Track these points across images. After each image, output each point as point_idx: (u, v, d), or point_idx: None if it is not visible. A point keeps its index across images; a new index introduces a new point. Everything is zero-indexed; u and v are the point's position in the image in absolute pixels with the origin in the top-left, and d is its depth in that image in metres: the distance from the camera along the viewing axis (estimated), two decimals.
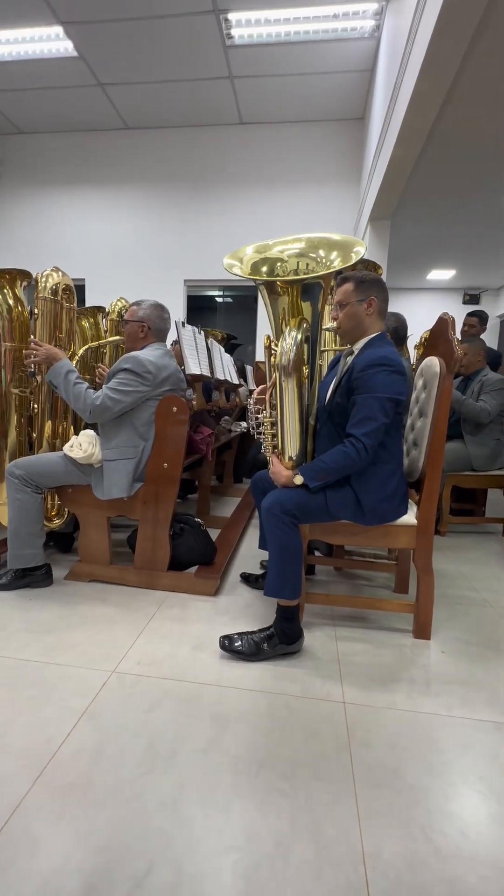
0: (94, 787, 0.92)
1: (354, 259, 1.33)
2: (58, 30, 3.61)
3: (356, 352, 1.44)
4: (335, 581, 1.99)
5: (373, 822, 0.88)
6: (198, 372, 2.19)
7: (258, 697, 1.21)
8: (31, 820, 0.85)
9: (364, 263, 2.02)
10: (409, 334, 2.52)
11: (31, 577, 1.77)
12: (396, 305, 6.73)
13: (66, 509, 1.97)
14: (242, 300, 6.18)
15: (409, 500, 1.55)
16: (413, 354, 3.74)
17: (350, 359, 1.45)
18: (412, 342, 3.33)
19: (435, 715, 1.17)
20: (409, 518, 1.47)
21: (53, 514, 2.00)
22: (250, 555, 2.23)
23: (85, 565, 1.88)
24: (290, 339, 1.32)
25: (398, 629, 1.59)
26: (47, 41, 3.73)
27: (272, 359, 1.40)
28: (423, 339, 3.35)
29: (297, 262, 1.48)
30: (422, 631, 1.52)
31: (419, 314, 5.25)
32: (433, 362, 1.54)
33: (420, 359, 2.11)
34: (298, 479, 1.36)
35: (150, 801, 0.90)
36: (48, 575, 1.81)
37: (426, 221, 4.41)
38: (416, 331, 3.29)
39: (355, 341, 1.46)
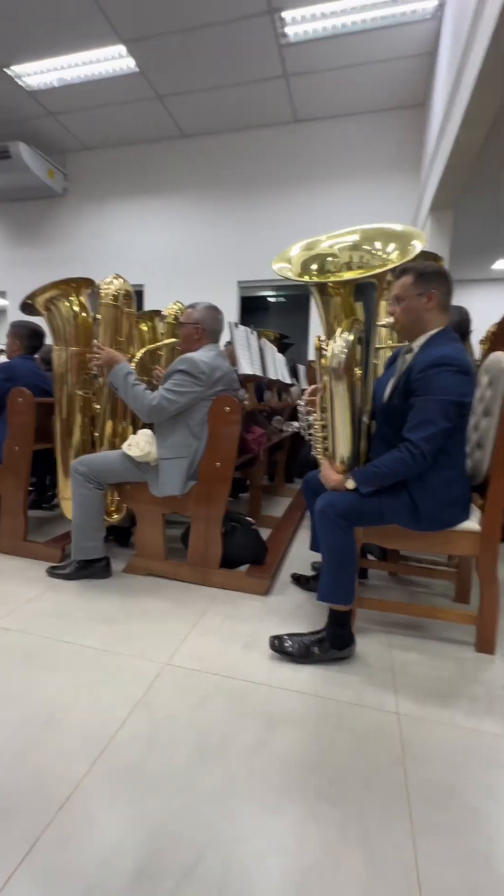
0: (148, 774, 0.95)
1: (412, 253, 1.27)
2: (120, 48, 3.78)
3: (416, 349, 1.37)
4: (389, 587, 1.92)
5: (429, 843, 0.83)
6: (250, 372, 2.20)
7: (308, 701, 1.20)
8: (90, 798, 0.90)
9: (423, 255, 1.93)
10: (472, 329, 2.37)
11: (93, 569, 1.87)
12: (459, 298, 6.36)
13: (124, 505, 2.07)
14: (295, 299, 6.15)
15: (473, 506, 1.46)
16: (477, 350, 3.51)
17: (409, 357, 1.38)
18: (476, 337, 3.13)
19: (498, 735, 1.09)
20: (472, 524, 1.38)
21: (113, 509, 2.10)
22: (301, 556, 2.21)
23: (141, 559, 1.95)
24: (342, 340, 1.28)
25: (458, 641, 1.50)
26: (111, 60, 3.92)
27: (322, 360, 1.37)
28: (489, 334, 3.14)
29: (350, 256, 1.44)
30: (485, 645, 1.43)
31: (484, 307, 4.92)
32: (500, 357, 1.43)
33: (485, 354, 1.98)
34: (350, 484, 1.33)
35: (200, 794, 0.91)
36: (108, 567, 1.90)
37: (492, 209, 4.13)
38: (481, 325, 3.09)
39: (414, 338, 1.39)
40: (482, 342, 3.40)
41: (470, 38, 2.32)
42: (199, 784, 0.94)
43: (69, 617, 1.57)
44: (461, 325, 2.22)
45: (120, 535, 2.27)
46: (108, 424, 2.04)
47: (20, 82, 4.11)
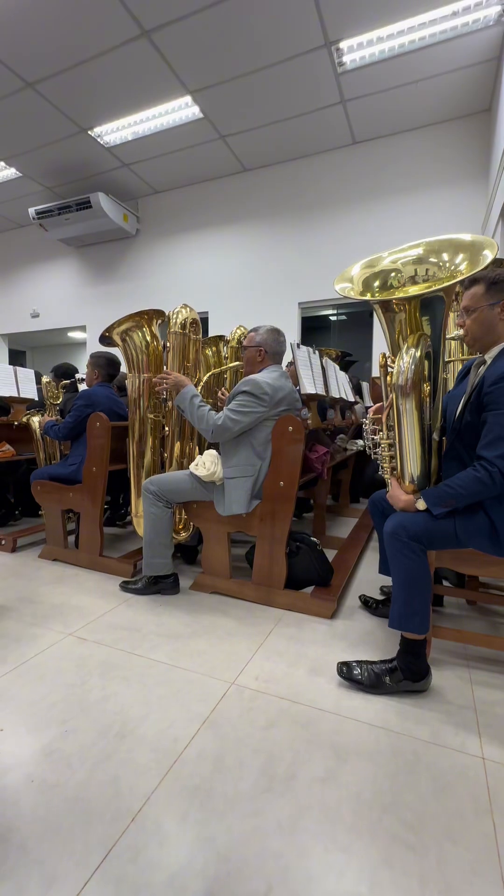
0: (215, 795, 0.95)
1: (483, 263, 1.22)
2: (187, 99, 4.10)
3: (489, 361, 1.30)
4: (468, 616, 1.78)
5: None
6: (312, 391, 2.20)
7: (380, 734, 1.13)
8: (161, 813, 0.91)
9: (497, 263, 1.83)
10: None
11: (162, 585, 1.94)
12: None
13: (191, 523, 2.13)
14: (356, 316, 6.09)
15: None
16: None
17: (482, 370, 1.31)
18: None
19: None
20: None
21: (181, 527, 2.17)
22: (369, 579, 2.12)
23: (207, 577, 1.99)
24: (409, 357, 1.25)
25: None
26: (178, 111, 4.26)
27: (388, 378, 1.34)
28: None
29: (415, 269, 1.40)
30: None
31: None
32: None
33: None
34: (421, 505, 1.27)
35: (269, 821, 0.89)
36: (176, 583, 1.96)
37: None
38: None
39: (486, 350, 1.32)
40: None
41: None
42: (267, 811, 0.92)
43: (140, 630, 1.64)
44: None
45: (187, 552, 2.34)
46: (177, 445, 2.13)
47: (100, 141, 4.59)
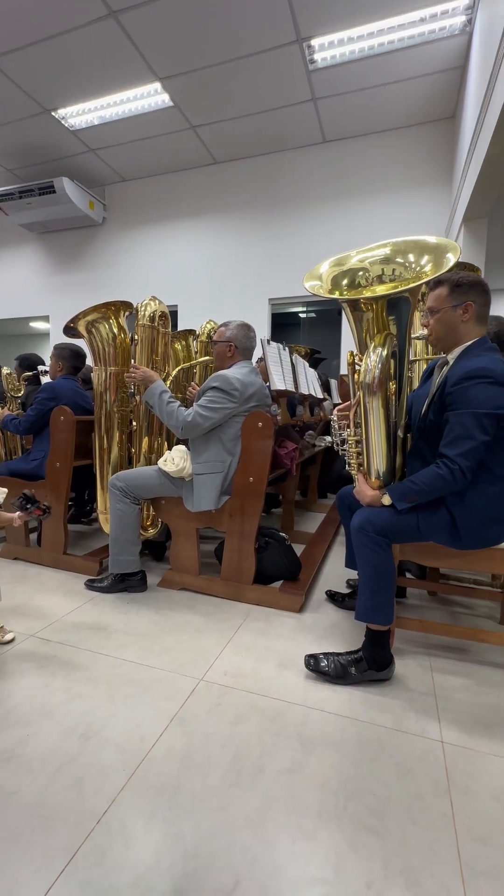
0: (183, 792, 0.95)
1: (447, 266, 1.26)
2: (156, 85, 4.00)
3: (451, 361, 1.35)
4: (429, 607, 1.85)
5: (479, 884, 0.78)
6: (283, 387, 2.22)
7: (346, 724, 1.16)
8: (127, 814, 0.90)
9: (460, 266, 1.90)
10: None
11: (129, 582, 1.91)
12: (498, 307, 6.19)
13: (159, 520, 2.11)
14: (326, 314, 6.16)
15: None
16: None
17: (445, 369, 1.36)
18: None
19: None
20: None
21: (148, 523, 2.14)
22: (336, 573, 2.17)
23: (176, 574, 1.98)
24: (375, 356, 1.28)
25: None
26: (147, 97, 4.15)
27: (356, 376, 1.36)
28: None
29: (382, 269, 1.43)
30: None
31: None
32: None
33: None
34: (386, 500, 1.30)
35: (237, 815, 0.90)
36: (143, 581, 1.93)
37: None
38: None
39: (449, 350, 1.37)
40: None
41: (500, 52, 2.31)
42: (235, 805, 0.92)
43: (106, 630, 1.60)
44: (500, 335, 2.16)
45: (155, 549, 2.31)
46: (145, 441, 2.09)
47: (65, 123, 4.41)
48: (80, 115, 4.35)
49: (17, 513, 1.38)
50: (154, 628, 1.63)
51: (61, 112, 4.31)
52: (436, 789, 0.97)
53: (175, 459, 1.82)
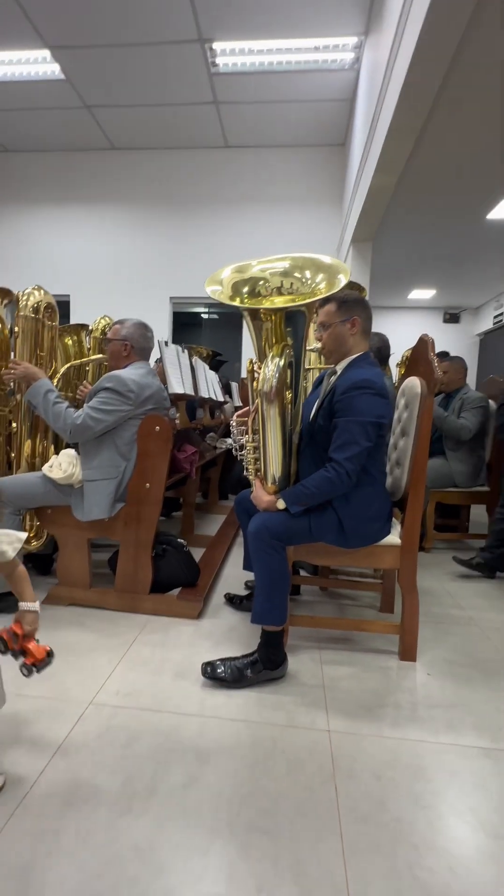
0: (66, 834, 0.87)
1: (338, 286, 1.35)
2: (45, 53, 3.66)
3: (339, 372, 1.45)
4: (321, 601, 1.97)
5: (358, 860, 0.84)
6: (181, 391, 2.18)
7: (241, 728, 1.17)
8: None
9: (348, 284, 2.05)
10: (391, 353, 2.56)
11: (5, 603, 1.70)
12: (380, 323, 6.86)
13: (44, 530, 1.92)
14: (228, 316, 6.23)
15: (394, 520, 1.55)
16: (395, 373, 3.80)
17: (333, 379, 1.45)
18: (395, 360, 3.38)
19: (421, 742, 1.15)
20: (393, 538, 1.47)
21: (32, 535, 1.94)
22: (235, 575, 2.19)
23: (64, 588, 1.82)
24: (273, 366, 1.31)
25: (384, 651, 1.57)
26: (34, 64, 3.78)
27: (255, 384, 1.39)
28: (404, 358, 3.41)
29: (281, 281, 1.49)
30: (407, 653, 1.51)
31: (402, 332, 5.37)
32: (414, 383, 1.55)
33: (402, 378, 2.14)
34: (280, 504, 1.35)
35: (125, 846, 0.85)
36: None
37: (407, 243, 4.54)
38: (400, 348, 3.35)
39: (338, 361, 1.47)
40: (399, 365, 3.68)
41: (382, 92, 2.56)
42: (124, 836, 0.87)
43: None
44: (382, 350, 2.39)
45: (40, 562, 2.10)
46: (27, 444, 1.89)
47: None
48: None
49: None
50: None
51: None
52: (322, 777, 1.03)
53: (62, 465, 1.67)
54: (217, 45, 3.52)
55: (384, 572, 1.86)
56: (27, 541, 1.91)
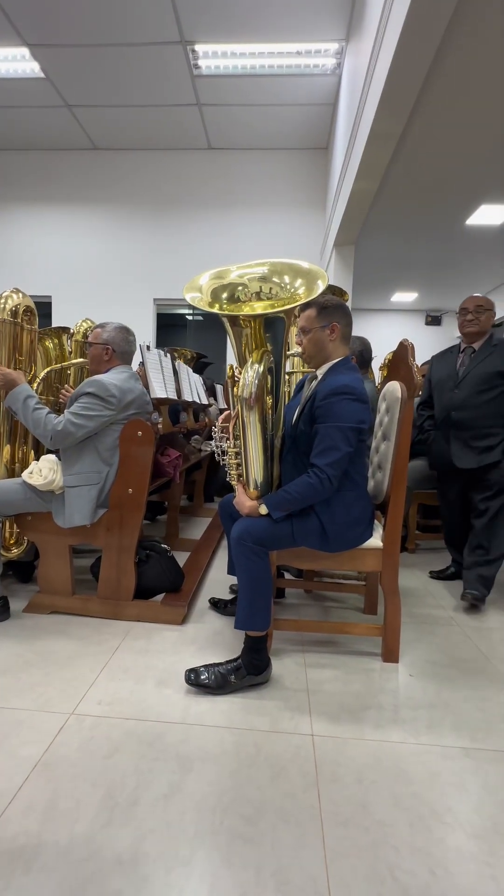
0: (45, 850, 0.86)
1: (317, 292, 1.35)
2: (24, 51, 3.61)
3: (320, 377, 1.45)
4: (305, 604, 1.98)
5: (340, 865, 0.85)
6: (163, 395, 2.16)
7: (225, 734, 1.17)
8: None
9: (330, 289, 2.07)
10: (373, 356, 2.58)
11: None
12: (362, 326, 6.94)
13: (25, 537, 1.89)
14: (213, 318, 6.21)
15: (376, 522, 1.57)
16: (378, 375, 3.84)
17: (314, 384, 1.46)
18: (377, 363, 3.42)
19: (402, 743, 1.16)
20: (375, 541, 1.48)
21: (12, 542, 1.90)
22: (220, 579, 2.19)
23: (45, 596, 1.79)
24: (252, 372, 1.32)
25: (368, 653, 1.58)
26: (13, 61, 3.72)
27: (235, 390, 1.39)
28: (386, 361, 3.45)
29: (260, 286, 1.49)
30: (390, 654, 1.52)
31: (385, 334, 5.43)
32: (395, 387, 1.57)
33: (384, 381, 2.16)
34: (263, 510, 1.35)
35: (108, 860, 0.84)
36: (5, 608, 1.71)
37: (389, 246, 4.61)
38: (383, 351, 3.39)
39: (319, 366, 1.48)
40: (381, 368, 3.72)
41: (363, 99, 2.59)
42: (106, 849, 0.86)
43: None
44: (363, 353, 2.41)
45: (21, 570, 2.06)
46: (6, 449, 1.86)
47: None
48: None
49: None
50: (17, 661, 1.45)
51: None
52: (305, 783, 1.03)
53: (43, 471, 1.65)
54: (199, 48, 3.51)
55: (367, 575, 1.88)
56: (7, 548, 1.88)
